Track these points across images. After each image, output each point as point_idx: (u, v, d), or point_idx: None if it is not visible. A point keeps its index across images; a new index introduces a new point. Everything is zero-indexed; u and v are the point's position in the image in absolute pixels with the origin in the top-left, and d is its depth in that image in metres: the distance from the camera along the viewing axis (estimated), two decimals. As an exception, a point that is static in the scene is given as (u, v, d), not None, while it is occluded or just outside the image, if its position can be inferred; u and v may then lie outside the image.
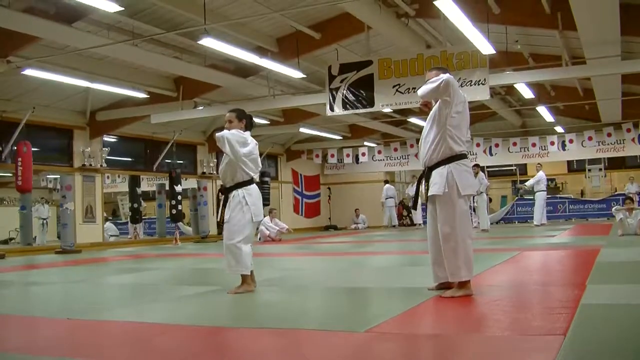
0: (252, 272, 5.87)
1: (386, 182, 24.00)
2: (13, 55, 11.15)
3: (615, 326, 3.79)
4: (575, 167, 24.37)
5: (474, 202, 16.07)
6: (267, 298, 5.73)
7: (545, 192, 18.74)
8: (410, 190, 22.21)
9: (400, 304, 4.91)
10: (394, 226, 23.25)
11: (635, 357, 3.10)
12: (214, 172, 19.69)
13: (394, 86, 12.30)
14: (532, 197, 19.73)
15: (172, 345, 3.79)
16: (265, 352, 3.56)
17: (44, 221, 18.92)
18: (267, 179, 20.85)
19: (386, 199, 23.45)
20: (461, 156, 5.07)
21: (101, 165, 16.15)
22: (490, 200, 21.35)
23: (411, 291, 5.70)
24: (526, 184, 19.00)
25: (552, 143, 21.33)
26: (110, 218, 22.25)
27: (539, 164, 19.45)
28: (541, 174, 18.56)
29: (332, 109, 12.91)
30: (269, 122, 18.76)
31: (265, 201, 20.35)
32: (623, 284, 5.65)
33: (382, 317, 4.31)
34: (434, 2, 8.47)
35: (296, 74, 13.23)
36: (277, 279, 7.01)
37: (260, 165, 6.04)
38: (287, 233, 17.16)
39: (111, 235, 19.14)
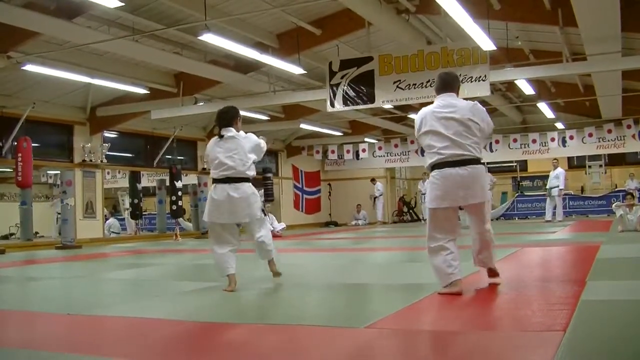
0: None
1: (374, 180, 24.20)
2: (13, 51, 11.15)
3: (615, 322, 3.79)
4: (576, 163, 24.35)
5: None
6: (267, 294, 5.73)
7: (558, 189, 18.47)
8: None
9: (401, 300, 4.91)
10: (384, 222, 23.48)
11: (635, 353, 3.10)
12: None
13: (394, 82, 12.30)
14: (542, 194, 19.67)
15: (172, 341, 3.79)
16: (265, 348, 3.56)
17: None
18: (269, 174, 20.87)
19: (380, 195, 23.68)
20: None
21: (101, 161, 16.14)
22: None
23: (411, 287, 5.71)
24: (560, 187, 18.16)
25: (553, 139, 21.30)
26: (116, 214, 22.18)
27: (555, 159, 19.18)
28: (560, 170, 18.36)
29: (332, 105, 12.91)
30: (269, 118, 18.75)
31: (269, 197, 20.37)
32: (623, 280, 5.65)
33: (383, 313, 4.32)
34: (435, -2, 8.47)
35: (297, 70, 13.21)
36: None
37: (214, 162, 5.87)
38: (279, 234, 16.34)
39: (113, 232, 19.10)
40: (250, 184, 5.87)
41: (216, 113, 6.10)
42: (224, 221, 5.79)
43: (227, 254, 5.78)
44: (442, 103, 5.14)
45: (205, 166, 19.57)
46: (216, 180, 5.83)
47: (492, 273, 5.43)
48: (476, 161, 5.03)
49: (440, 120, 5.02)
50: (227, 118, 5.98)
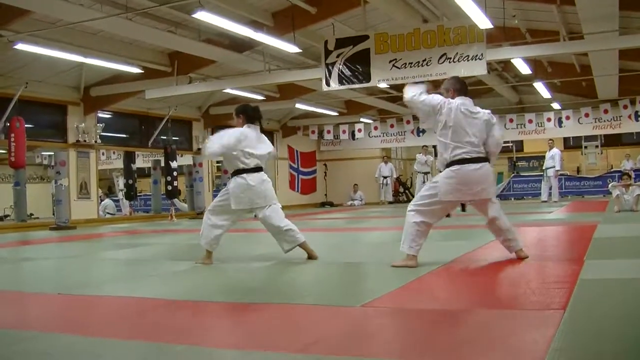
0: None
1: (385, 158, 24.23)
2: (4, 30, 10.99)
3: (614, 300, 3.77)
4: (572, 143, 24.31)
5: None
6: (262, 273, 5.70)
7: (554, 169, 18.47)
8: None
9: (396, 279, 4.87)
10: (390, 202, 23.49)
11: (634, 330, 3.07)
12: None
13: (390, 61, 12.19)
14: (539, 174, 19.67)
15: (164, 320, 3.74)
16: (260, 327, 3.52)
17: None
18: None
19: (390, 175, 23.72)
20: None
21: (95, 141, 16.02)
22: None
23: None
24: (556, 168, 18.29)
25: (549, 119, 21.21)
26: (111, 195, 22.12)
27: (550, 139, 19.16)
28: (556, 151, 18.36)
29: (328, 84, 12.81)
30: (264, 98, 18.61)
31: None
32: (621, 259, 5.65)
33: (378, 292, 4.29)
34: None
35: (292, 49, 13.05)
36: (271, 254, 6.96)
37: (256, 153, 6.12)
38: None
39: (108, 213, 19.04)
40: None
41: (252, 108, 6.38)
42: (255, 206, 6.07)
43: (221, 233, 5.84)
44: (467, 103, 5.40)
45: (200, 147, 19.51)
46: (248, 170, 6.06)
47: (520, 257, 5.55)
48: (486, 160, 5.35)
49: (467, 118, 5.30)
50: (260, 116, 6.39)
